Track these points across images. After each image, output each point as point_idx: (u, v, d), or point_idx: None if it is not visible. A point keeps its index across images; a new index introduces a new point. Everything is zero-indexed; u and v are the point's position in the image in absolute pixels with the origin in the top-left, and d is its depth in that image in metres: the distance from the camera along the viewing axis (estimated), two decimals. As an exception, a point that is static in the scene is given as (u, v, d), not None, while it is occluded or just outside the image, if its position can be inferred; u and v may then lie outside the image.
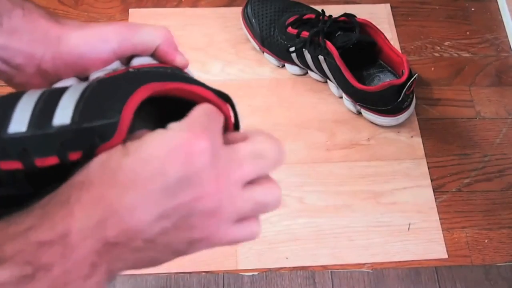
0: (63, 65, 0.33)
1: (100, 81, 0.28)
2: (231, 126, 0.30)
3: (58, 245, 0.24)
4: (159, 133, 0.26)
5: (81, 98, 0.27)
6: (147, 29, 0.34)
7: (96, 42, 0.32)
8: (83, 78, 0.34)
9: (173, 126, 0.26)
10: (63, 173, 0.26)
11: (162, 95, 0.28)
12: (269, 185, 0.28)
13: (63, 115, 0.26)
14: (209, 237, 0.28)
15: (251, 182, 0.28)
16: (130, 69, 0.32)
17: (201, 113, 0.27)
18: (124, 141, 0.26)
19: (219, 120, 0.28)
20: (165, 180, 0.25)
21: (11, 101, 0.27)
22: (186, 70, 0.35)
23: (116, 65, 0.34)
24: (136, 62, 0.34)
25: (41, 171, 0.26)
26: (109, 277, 0.26)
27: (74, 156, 0.26)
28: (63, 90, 0.28)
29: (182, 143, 0.25)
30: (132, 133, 0.27)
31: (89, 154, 0.26)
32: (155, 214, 0.25)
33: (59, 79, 0.33)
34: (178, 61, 0.34)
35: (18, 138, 0.26)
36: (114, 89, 0.27)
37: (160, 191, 0.25)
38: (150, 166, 0.25)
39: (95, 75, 0.33)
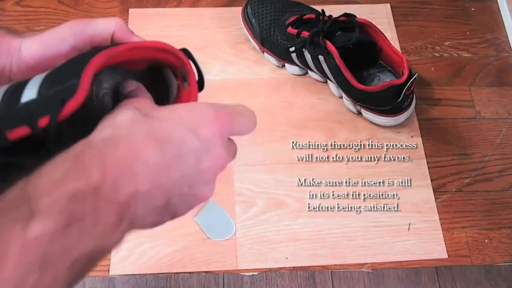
0: (29, 70, 0.35)
1: (62, 63, 0.31)
2: (192, 74, 0.33)
3: (91, 197, 0.26)
4: (191, 104, 0.31)
5: (45, 78, 0.29)
6: (98, 20, 0.36)
7: (52, 42, 0.35)
8: None
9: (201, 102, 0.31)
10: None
11: (129, 67, 0.31)
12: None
13: (29, 93, 0.28)
14: (197, 204, 0.32)
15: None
16: None
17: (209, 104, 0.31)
18: (93, 98, 0.29)
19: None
20: (195, 143, 0.29)
21: None
22: None
23: None
24: None
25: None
26: (129, 229, 0.28)
27: (42, 121, 0.28)
28: (29, 78, 0.30)
29: (212, 116, 0.30)
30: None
31: (55, 117, 0.28)
32: (181, 174, 0.29)
33: None
34: None
35: None
36: (73, 64, 0.30)
37: (189, 153, 0.29)
38: (183, 129, 0.29)
39: None
